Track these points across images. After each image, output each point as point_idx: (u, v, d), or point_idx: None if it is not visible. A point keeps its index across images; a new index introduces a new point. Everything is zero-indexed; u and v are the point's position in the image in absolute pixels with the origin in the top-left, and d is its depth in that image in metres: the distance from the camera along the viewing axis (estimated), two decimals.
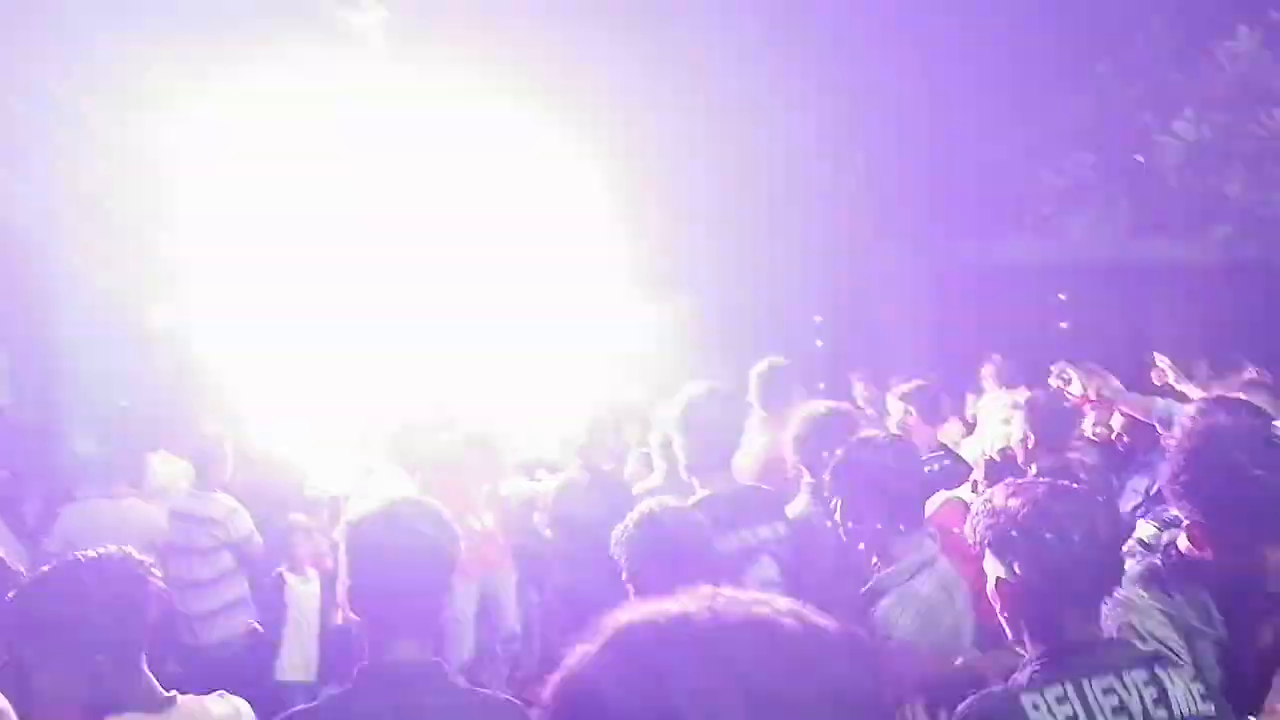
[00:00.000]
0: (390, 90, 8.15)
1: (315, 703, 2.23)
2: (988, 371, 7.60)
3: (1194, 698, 1.96)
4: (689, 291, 14.56)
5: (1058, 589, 1.99)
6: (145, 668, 2.12)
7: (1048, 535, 1.99)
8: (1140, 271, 12.12)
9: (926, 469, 3.56)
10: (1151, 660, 2.02)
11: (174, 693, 2.12)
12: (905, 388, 5.29)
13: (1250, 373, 6.75)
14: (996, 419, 4.77)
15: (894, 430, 4.63)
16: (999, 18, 10.89)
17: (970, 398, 7.88)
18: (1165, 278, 12.29)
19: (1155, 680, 1.96)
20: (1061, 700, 1.92)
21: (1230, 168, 9.04)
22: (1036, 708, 1.92)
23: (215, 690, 2.23)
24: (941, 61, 11.58)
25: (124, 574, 2.13)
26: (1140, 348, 10.99)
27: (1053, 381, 4.94)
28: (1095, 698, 1.92)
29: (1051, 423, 4.22)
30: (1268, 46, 9.08)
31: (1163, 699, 1.94)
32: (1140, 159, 9.59)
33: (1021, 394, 4.84)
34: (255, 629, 5.60)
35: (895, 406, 5.14)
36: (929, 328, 14.66)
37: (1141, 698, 1.93)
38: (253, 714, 2.22)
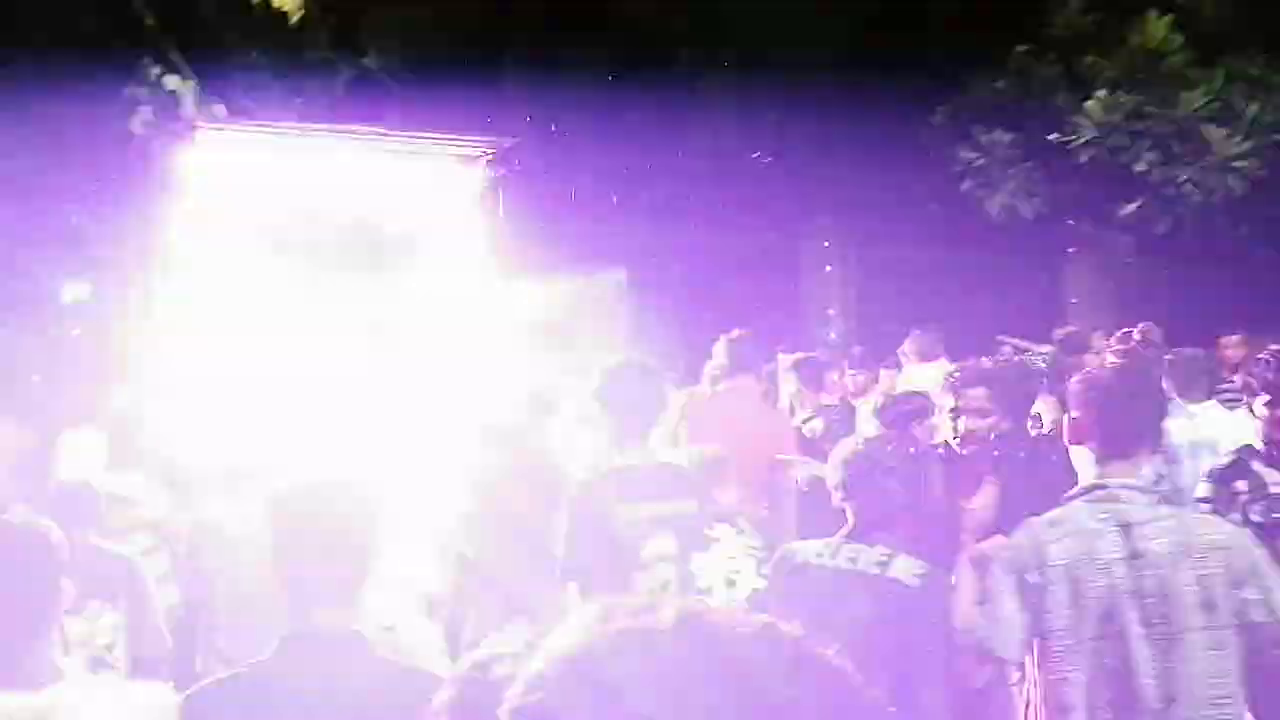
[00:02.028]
0: None
1: (235, 670, 2.24)
2: (909, 347, 7.83)
3: None
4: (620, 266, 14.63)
5: None
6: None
7: None
8: (1055, 246, 12.49)
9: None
10: None
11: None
12: (794, 358, 6.09)
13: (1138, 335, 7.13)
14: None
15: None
16: None
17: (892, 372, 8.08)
18: (1078, 252, 12.69)
19: None
20: None
21: (1139, 147, 9.36)
22: None
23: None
24: (861, 38, 11.76)
25: (32, 541, 2.13)
26: (1055, 320, 11.38)
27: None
28: None
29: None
30: (1175, 30, 9.39)
31: None
32: (1055, 137, 9.87)
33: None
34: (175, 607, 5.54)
35: (787, 377, 5.96)
36: (853, 302, 14.94)
37: None
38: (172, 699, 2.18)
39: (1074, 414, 2.73)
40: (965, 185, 10.62)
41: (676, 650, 0.85)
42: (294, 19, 6.36)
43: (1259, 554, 2.53)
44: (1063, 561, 2.50)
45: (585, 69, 13.02)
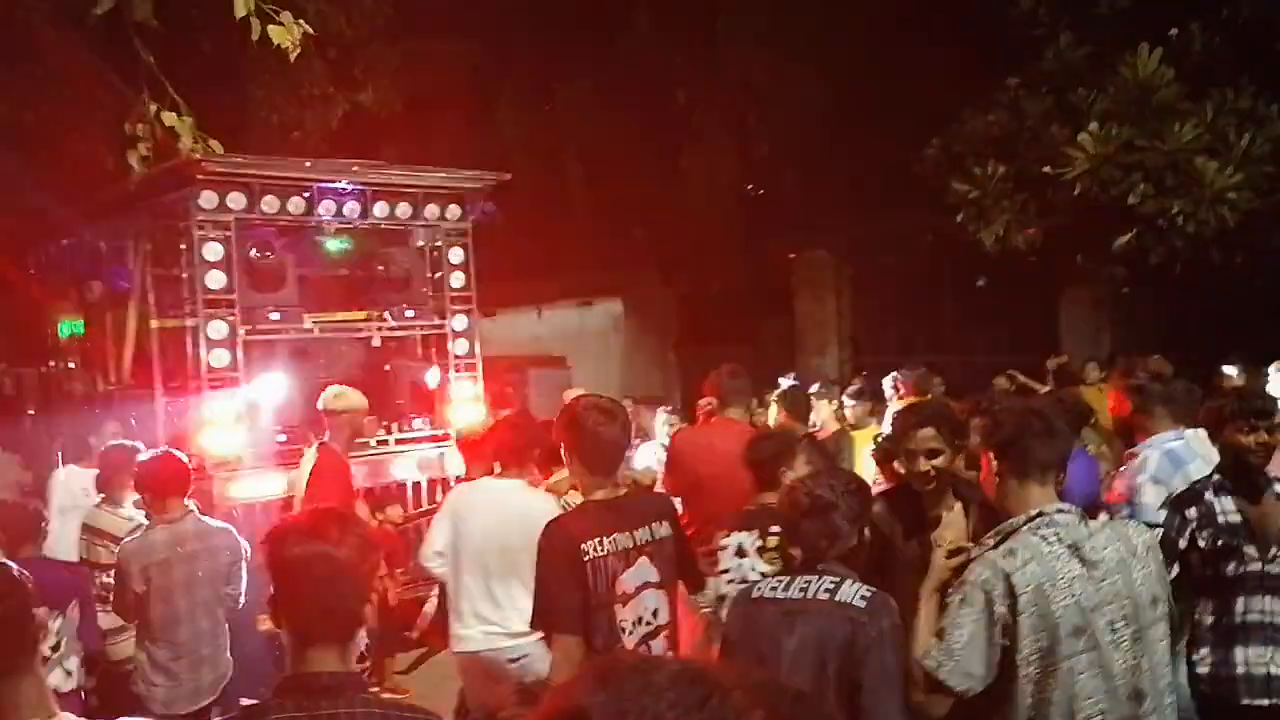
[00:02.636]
0: None
1: (232, 715, 2.24)
2: (891, 383, 7.97)
3: None
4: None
5: None
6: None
7: None
8: (1048, 278, 12.56)
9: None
10: None
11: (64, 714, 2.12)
12: (779, 391, 6.55)
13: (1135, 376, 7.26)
14: None
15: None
16: (914, 32, 11.22)
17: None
18: (1072, 284, 12.76)
19: None
20: None
21: (1132, 180, 9.41)
22: None
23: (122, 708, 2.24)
24: (858, 73, 11.88)
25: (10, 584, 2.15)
26: (1049, 351, 11.41)
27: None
28: None
29: None
30: (1166, 62, 9.47)
31: None
32: (1048, 169, 9.93)
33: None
34: None
35: (773, 407, 6.26)
36: (848, 334, 15.00)
37: None
38: None
39: (992, 450, 2.94)
40: (959, 218, 10.68)
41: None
42: (292, 56, 6.38)
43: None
44: (1029, 588, 2.66)
45: (581, 103, 13.15)
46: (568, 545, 3.32)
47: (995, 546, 2.80)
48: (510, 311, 14.16)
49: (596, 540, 3.33)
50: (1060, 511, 2.80)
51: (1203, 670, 3.82)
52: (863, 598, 2.88)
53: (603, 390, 12.25)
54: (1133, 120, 9.54)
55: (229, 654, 4.95)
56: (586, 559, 3.30)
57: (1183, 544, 3.84)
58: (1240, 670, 3.75)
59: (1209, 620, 3.84)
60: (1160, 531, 3.54)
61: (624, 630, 3.36)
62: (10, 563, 2.30)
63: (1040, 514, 2.78)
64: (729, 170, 13.63)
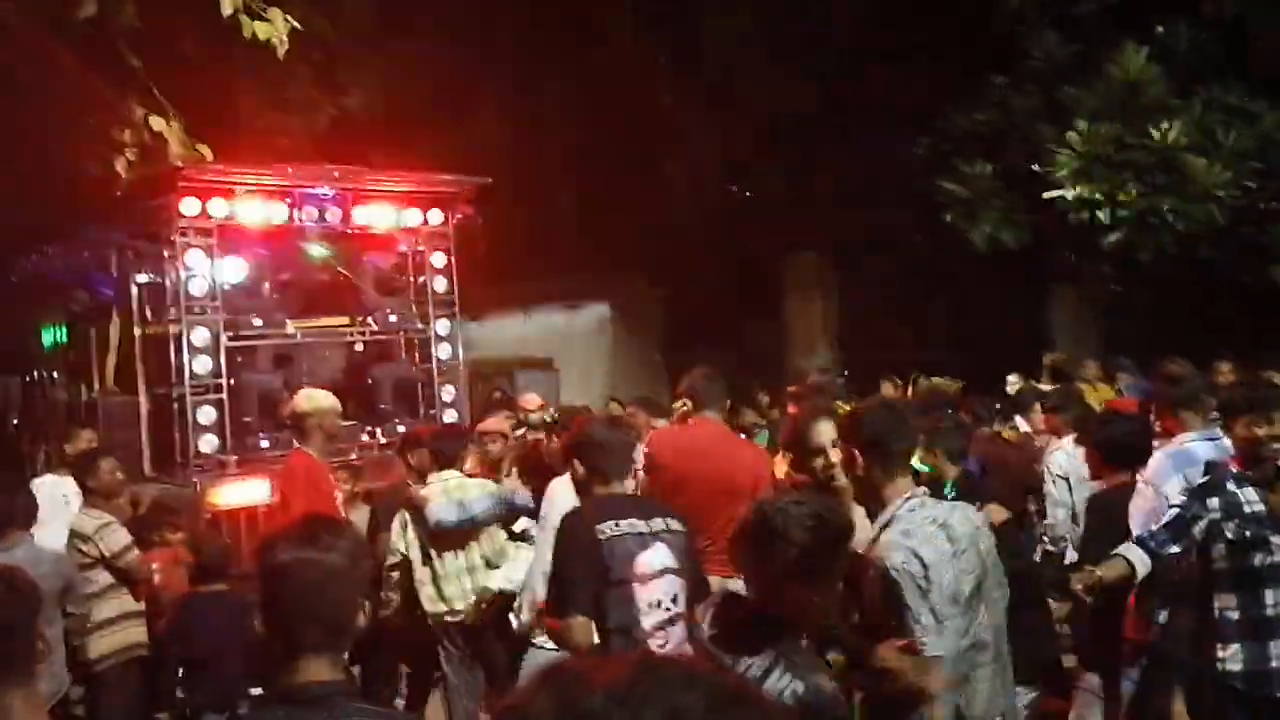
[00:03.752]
0: None
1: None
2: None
3: None
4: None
5: None
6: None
7: None
8: (1038, 276, 12.58)
9: None
10: None
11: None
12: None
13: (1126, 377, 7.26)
14: None
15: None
16: (899, 31, 11.22)
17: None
18: (1062, 282, 12.78)
19: None
20: None
21: (1121, 177, 9.42)
22: None
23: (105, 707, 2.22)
24: (843, 73, 11.88)
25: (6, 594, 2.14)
26: (1039, 349, 11.42)
27: None
28: None
29: None
30: (1154, 60, 9.49)
31: None
32: (1036, 167, 9.94)
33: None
34: (140, 646, 5.51)
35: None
36: (836, 334, 14.99)
37: None
38: None
39: (858, 447, 3.25)
40: (948, 217, 10.68)
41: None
42: (280, 53, 6.34)
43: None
44: (932, 561, 2.99)
45: (564, 106, 13.12)
46: (584, 528, 3.53)
47: (885, 529, 3.08)
48: (496, 314, 14.10)
49: (613, 522, 3.53)
50: (926, 494, 3.21)
51: (1234, 667, 3.74)
52: (792, 695, 2.46)
53: (590, 393, 12.21)
54: (1121, 118, 9.55)
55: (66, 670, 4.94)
56: (603, 538, 3.49)
57: (1197, 533, 3.76)
58: (1275, 664, 3.70)
59: (1235, 615, 3.76)
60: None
61: (641, 611, 3.48)
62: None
63: (912, 496, 3.13)
64: (714, 172, 13.61)
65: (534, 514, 5.32)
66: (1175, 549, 3.75)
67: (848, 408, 7.96)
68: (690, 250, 13.66)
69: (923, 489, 3.24)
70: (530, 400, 8.66)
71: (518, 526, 5.55)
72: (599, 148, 13.12)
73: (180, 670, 5.46)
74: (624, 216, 13.48)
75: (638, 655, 0.98)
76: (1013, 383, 9.80)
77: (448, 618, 5.35)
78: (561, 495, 4.44)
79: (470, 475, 5.64)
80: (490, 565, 5.42)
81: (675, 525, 3.67)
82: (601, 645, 3.44)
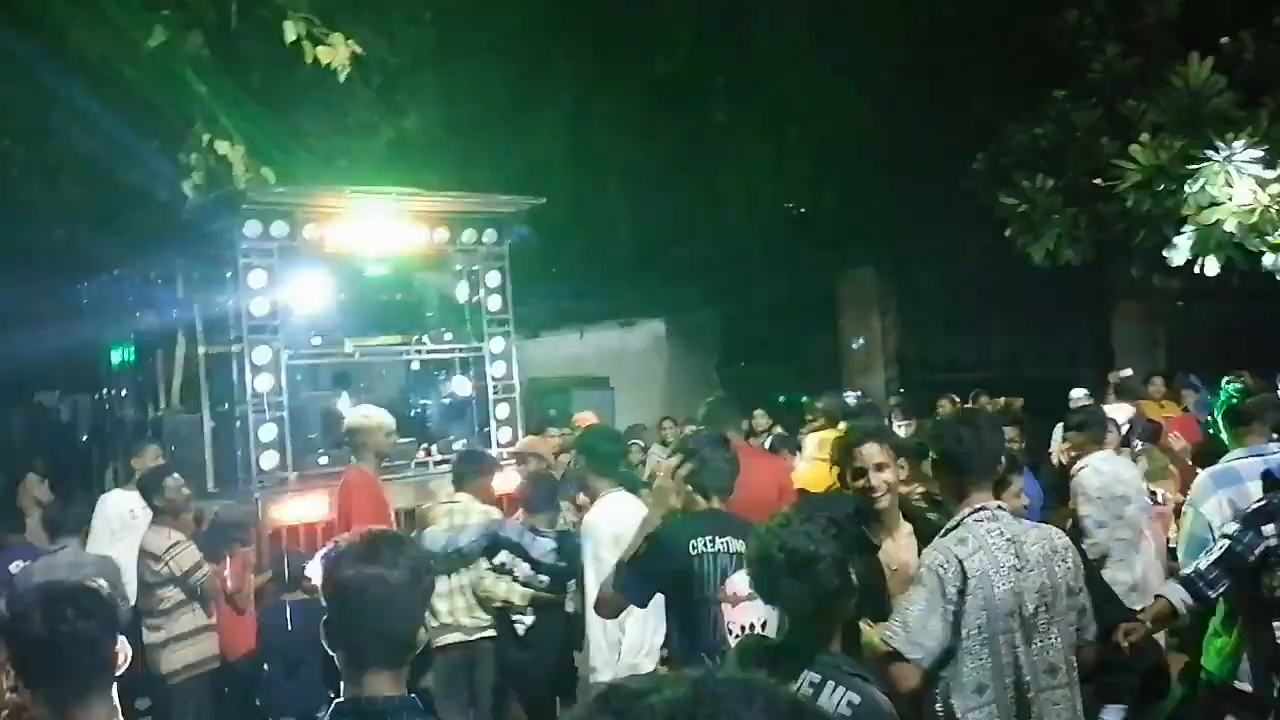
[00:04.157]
0: None
1: None
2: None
3: None
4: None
5: None
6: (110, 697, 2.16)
7: None
8: (1101, 292, 12.35)
9: None
10: None
11: None
12: None
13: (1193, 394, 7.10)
14: None
15: None
16: (957, 45, 11.13)
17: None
18: (1126, 298, 12.52)
19: None
20: None
21: (1185, 190, 9.21)
22: None
23: None
24: (900, 89, 11.79)
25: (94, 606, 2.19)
26: (1102, 366, 11.20)
27: None
28: None
29: None
30: (1217, 71, 9.30)
31: None
32: (1098, 181, 9.77)
33: None
34: (213, 659, 5.64)
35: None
36: (892, 348, 14.83)
37: None
38: None
39: (935, 456, 3.37)
40: (1007, 232, 10.52)
41: None
42: (342, 76, 6.46)
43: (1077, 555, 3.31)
44: (978, 573, 3.04)
45: (620, 124, 13.18)
46: (675, 541, 3.50)
47: (944, 535, 3.16)
48: (552, 332, 14.17)
49: (707, 538, 3.48)
50: (999, 508, 3.22)
51: None
52: (843, 717, 2.45)
53: (646, 411, 12.20)
54: (1185, 130, 9.36)
55: None
56: (694, 553, 3.45)
57: (1252, 561, 3.66)
58: None
59: None
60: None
61: (731, 633, 3.40)
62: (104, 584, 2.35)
63: (983, 508, 3.16)
64: (770, 188, 13.57)
65: (514, 548, 5.29)
66: (1225, 586, 3.66)
67: (902, 425, 7.90)
68: (746, 267, 13.63)
69: (997, 504, 3.24)
70: (586, 418, 8.69)
71: (498, 559, 5.38)
72: (655, 166, 13.17)
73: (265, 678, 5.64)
74: (680, 234, 13.51)
75: (696, 672, 0.97)
76: (1077, 400, 9.62)
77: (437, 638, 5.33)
78: (611, 522, 4.37)
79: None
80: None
81: None
82: (688, 667, 3.33)
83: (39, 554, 5.70)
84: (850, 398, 8.90)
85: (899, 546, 3.56)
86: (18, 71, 9.02)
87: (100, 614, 2.33)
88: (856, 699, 2.47)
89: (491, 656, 5.46)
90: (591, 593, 4.20)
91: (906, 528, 3.64)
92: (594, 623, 4.33)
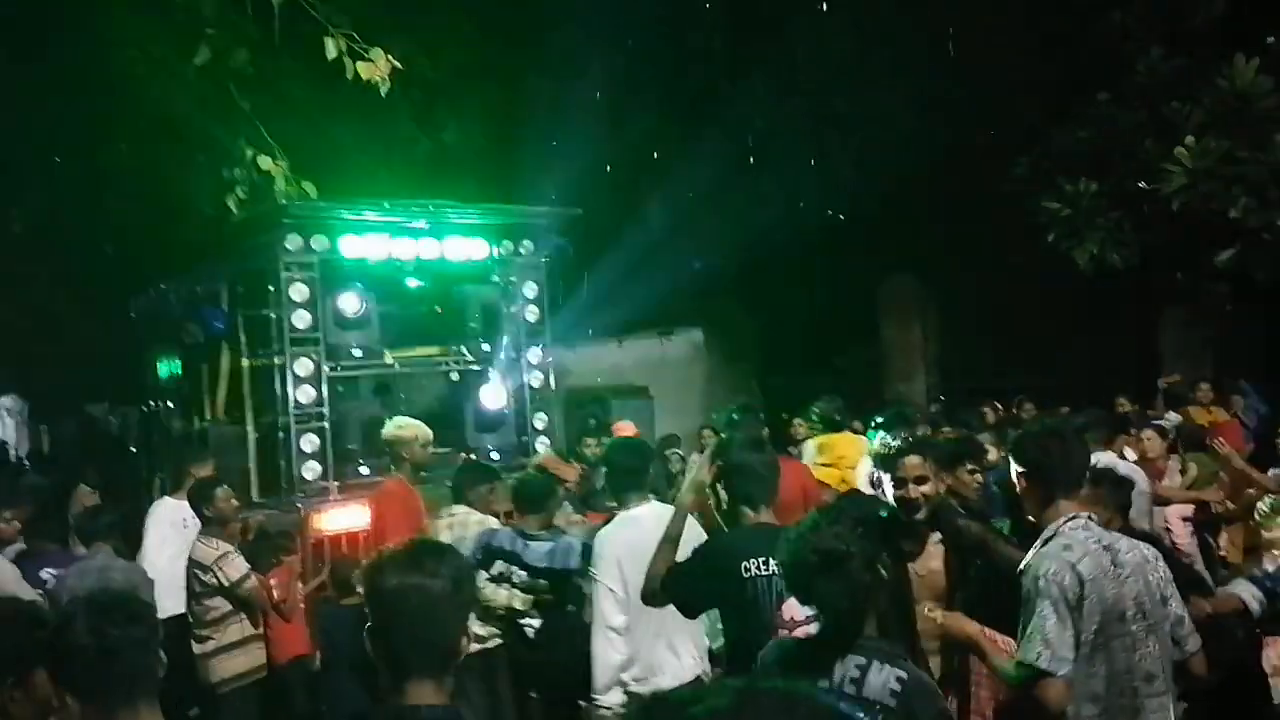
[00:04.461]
0: None
1: None
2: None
3: None
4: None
5: None
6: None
7: None
8: (1147, 296, 12.14)
9: None
10: None
11: None
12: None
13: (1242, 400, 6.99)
14: None
15: None
16: (998, 50, 11.02)
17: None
18: (1172, 302, 12.31)
19: None
20: None
21: (1233, 193, 9.06)
22: None
23: None
24: (940, 93, 11.70)
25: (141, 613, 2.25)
26: (1148, 372, 11.01)
27: None
28: None
29: None
30: (1264, 72, 9.14)
31: None
32: (1143, 185, 9.63)
33: None
34: (261, 668, 5.71)
35: None
36: (934, 355, 14.68)
37: None
38: None
39: (1021, 468, 3.30)
40: (1050, 237, 10.39)
41: None
42: (383, 90, 6.53)
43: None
44: (1090, 577, 3.02)
45: (660, 135, 13.20)
46: (726, 559, 3.36)
47: (1044, 544, 3.12)
48: (591, 342, 14.19)
49: (760, 560, 3.32)
50: (1090, 517, 3.19)
51: None
52: (893, 692, 2.58)
53: (685, 420, 12.18)
54: (1231, 132, 9.21)
55: None
56: (747, 575, 3.31)
57: None
58: None
59: None
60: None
61: None
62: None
63: (1075, 517, 3.13)
64: (810, 195, 13.51)
65: (508, 556, 5.26)
66: None
67: (946, 434, 7.79)
68: (785, 275, 13.57)
69: (1088, 514, 3.22)
70: (625, 427, 8.69)
71: (495, 569, 5.35)
72: (694, 174, 13.17)
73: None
74: (719, 242, 13.48)
75: (738, 682, 0.98)
76: (1123, 407, 9.50)
77: None
78: (613, 544, 4.22)
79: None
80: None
81: None
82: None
83: (72, 559, 5.82)
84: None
85: (927, 554, 3.64)
86: (69, 91, 9.22)
87: (147, 621, 2.36)
88: (904, 674, 2.61)
89: (506, 663, 5.48)
90: (602, 608, 4.14)
91: (934, 535, 3.67)
92: (598, 635, 4.20)
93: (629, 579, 3.97)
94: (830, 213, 14.05)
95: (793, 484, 5.14)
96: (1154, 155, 9.58)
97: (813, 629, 3.14)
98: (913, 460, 3.87)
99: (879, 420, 7.37)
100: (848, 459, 6.66)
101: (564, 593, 5.27)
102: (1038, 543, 3.16)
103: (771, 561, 3.27)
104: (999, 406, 10.14)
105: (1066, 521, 3.11)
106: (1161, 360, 12.13)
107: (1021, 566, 3.14)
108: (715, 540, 3.51)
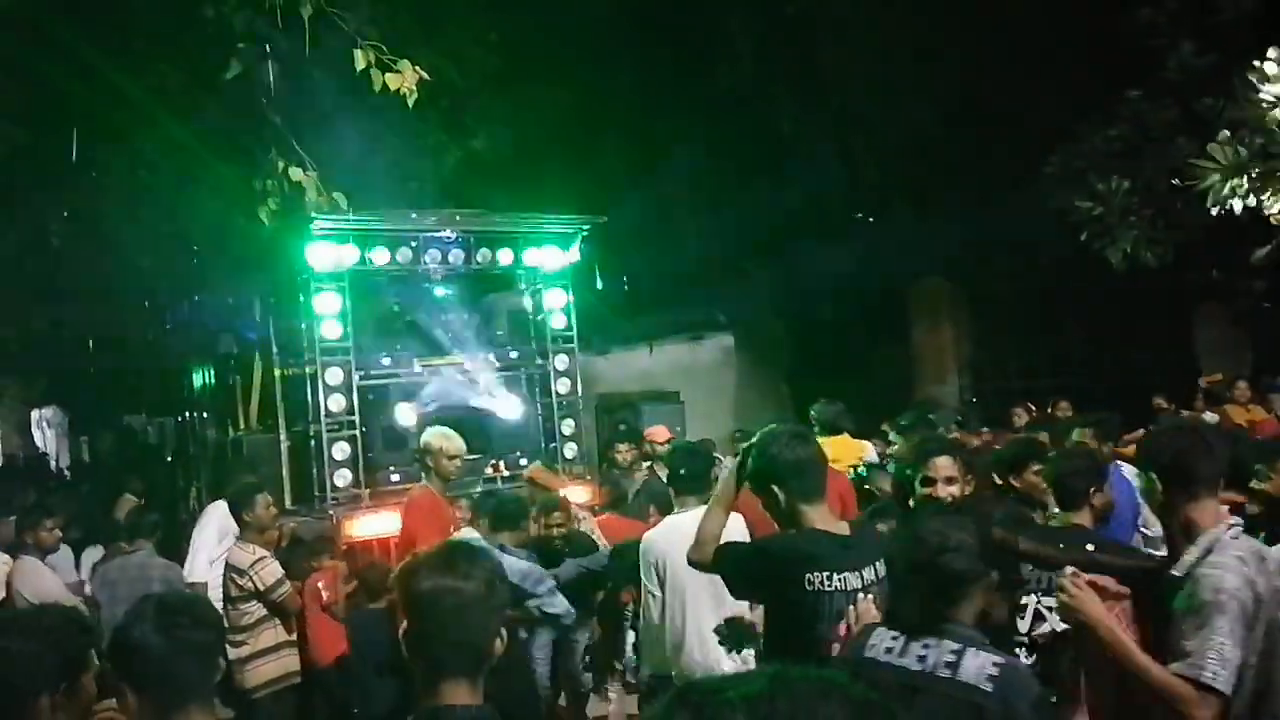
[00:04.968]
0: None
1: None
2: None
3: None
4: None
5: None
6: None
7: None
8: (1181, 295, 11.99)
9: None
10: None
11: None
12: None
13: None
14: None
15: None
16: (1026, 47, 10.94)
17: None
18: (1208, 301, 12.15)
19: None
20: None
21: (1267, 189, 8.92)
22: None
23: None
24: (968, 93, 11.63)
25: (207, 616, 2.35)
26: (1183, 371, 10.87)
27: None
28: None
29: None
30: None
31: None
32: (1176, 182, 9.51)
33: None
34: (294, 674, 5.79)
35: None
36: (966, 356, 14.57)
37: None
38: None
39: (1156, 472, 3.09)
40: (1083, 236, 10.29)
41: None
42: (410, 101, 6.60)
43: None
44: (1265, 590, 2.86)
45: (687, 140, 13.20)
46: (789, 566, 3.21)
47: (1204, 557, 2.89)
48: (621, 348, 14.21)
49: (825, 574, 3.17)
50: (1238, 526, 3.01)
51: None
52: (990, 677, 2.59)
53: (716, 425, 12.15)
54: (1266, 128, 9.07)
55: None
56: (810, 588, 3.15)
57: None
58: None
59: None
60: None
61: None
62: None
63: (1234, 524, 2.96)
64: (838, 198, 13.48)
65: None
66: None
67: (977, 436, 7.75)
68: (815, 278, 13.53)
69: (1237, 518, 3.08)
70: (658, 433, 8.71)
71: None
72: (721, 178, 13.18)
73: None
74: (747, 246, 13.48)
75: (773, 668, 1.00)
76: (1159, 406, 9.39)
77: None
78: (654, 549, 4.33)
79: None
80: None
81: (884, 572, 3.27)
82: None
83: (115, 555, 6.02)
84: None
85: None
86: (104, 107, 9.37)
87: (215, 625, 2.43)
88: (1001, 660, 2.63)
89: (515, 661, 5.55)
90: (648, 607, 4.15)
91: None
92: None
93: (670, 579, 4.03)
94: (859, 215, 14.01)
95: (830, 490, 5.10)
96: (1187, 152, 9.46)
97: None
98: (943, 460, 3.87)
99: (902, 423, 7.33)
100: (841, 462, 6.64)
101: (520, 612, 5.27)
102: (1195, 549, 2.92)
103: (835, 576, 3.16)
104: (1032, 407, 10.06)
105: (1228, 529, 2.94)
106: (1197, 359, 11.98)
107: (1183, 573, 2.92)
108: (780, 541, 3.34)
